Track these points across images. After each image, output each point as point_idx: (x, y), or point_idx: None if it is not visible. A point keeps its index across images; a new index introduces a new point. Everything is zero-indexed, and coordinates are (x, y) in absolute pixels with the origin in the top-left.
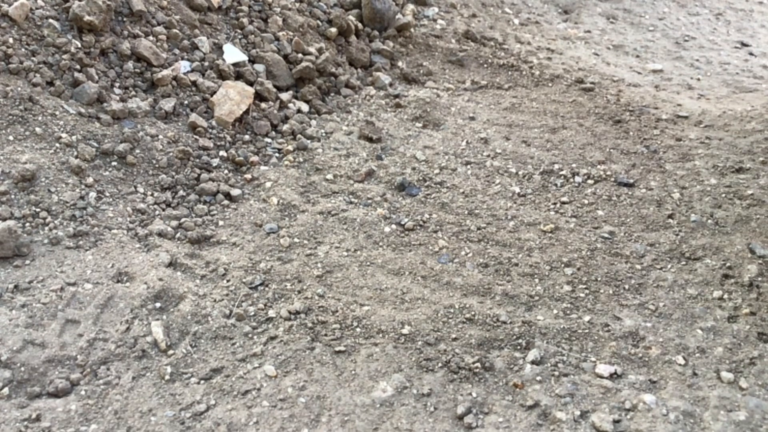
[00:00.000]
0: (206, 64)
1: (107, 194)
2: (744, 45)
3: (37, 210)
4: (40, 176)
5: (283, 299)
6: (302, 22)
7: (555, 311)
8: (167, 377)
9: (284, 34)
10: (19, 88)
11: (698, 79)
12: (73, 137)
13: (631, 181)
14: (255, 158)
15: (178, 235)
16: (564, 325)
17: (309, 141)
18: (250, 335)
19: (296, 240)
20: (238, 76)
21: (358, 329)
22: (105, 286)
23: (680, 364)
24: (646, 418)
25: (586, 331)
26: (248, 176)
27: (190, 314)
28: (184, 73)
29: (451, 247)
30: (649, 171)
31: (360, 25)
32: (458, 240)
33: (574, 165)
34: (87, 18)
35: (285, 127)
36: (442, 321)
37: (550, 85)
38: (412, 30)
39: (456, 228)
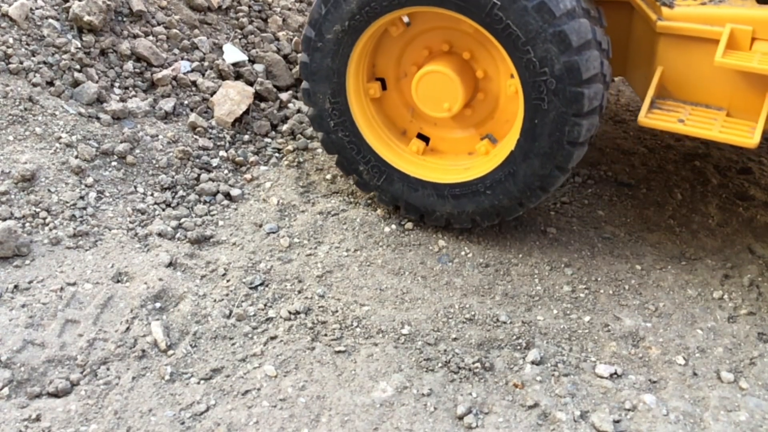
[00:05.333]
0: (206, 64)
1: (107, 194)
2: None
3: (37, 210)
4: (40, 176)
5: (283, 299)
6: (302, 22)
7: (555, 311)
8: (167, 377)
9: (284, 34)
10: (19, 88)
11: None
12: (73, 137)
13: (632, 181)
14: (255, 158)
15: (178, 235)
16: (564, 325)
17: (309, 141)
18: (250, 335)
19: (296, 240)
20: (238, 76)
21: (358, 329)
22: (105, 286)
23: (680, 365)
24: (646, 418)
25: (586, 331)
26: (248, 176)
27: (190, 314)
28: (184, 73)
29: (451, 247)
30: (649, 171)
31: None
32: (458, 240)
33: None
34: (87, 18)
35: (285, 127)
36: (442, 321)
37: None
38: None
39: (456, 228)
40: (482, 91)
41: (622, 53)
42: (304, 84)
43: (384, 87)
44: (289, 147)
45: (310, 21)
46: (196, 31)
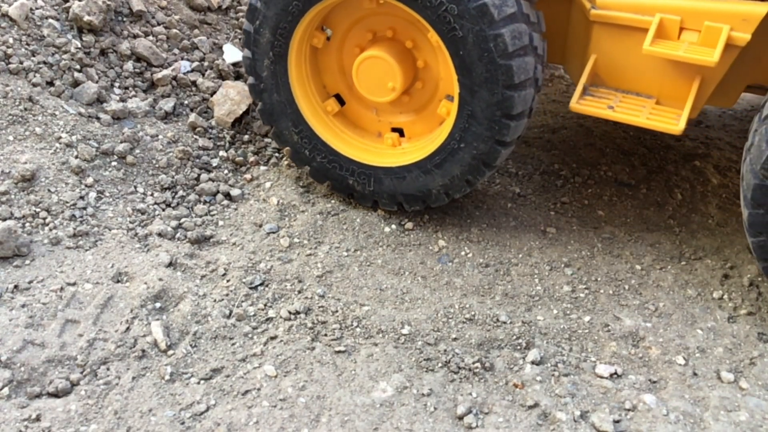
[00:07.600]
0: (206, 64)
1: (107, 194)
2: None
3: (37, 210)
4: (40, 176)
5: (283, 299)
6: None
7: (555, 311)
8: (167, 377)
9: None
10: (19, 88)
11: None
12: (73, 137)
13: (632, 181)
14: (255, 158)
15: (178, 235)
16: (564, 325)
17: None
18: (250, 335)
19: (296, 240)
20: (238, 76)
21: (358, 329)
22: (105, 286)
23: (680, 364)
24: (647, 418)
25: (586, 331)
26: (248, 176)
27: (190, 314)
28: (184, 73)
29: (451, 247)
30: (649, 171)
31: None
32: (458, 240)
33: (574, 165)
34: (87, 18)
35: None
36: (442, 321)
37: (549, 84)
38: None
39: (456, 228)
40: (419, 60)
41: (561, 42)
42: (271, 128)
43: (343, 101)
44: None
45: (246, 69)
46: (196, 31)
